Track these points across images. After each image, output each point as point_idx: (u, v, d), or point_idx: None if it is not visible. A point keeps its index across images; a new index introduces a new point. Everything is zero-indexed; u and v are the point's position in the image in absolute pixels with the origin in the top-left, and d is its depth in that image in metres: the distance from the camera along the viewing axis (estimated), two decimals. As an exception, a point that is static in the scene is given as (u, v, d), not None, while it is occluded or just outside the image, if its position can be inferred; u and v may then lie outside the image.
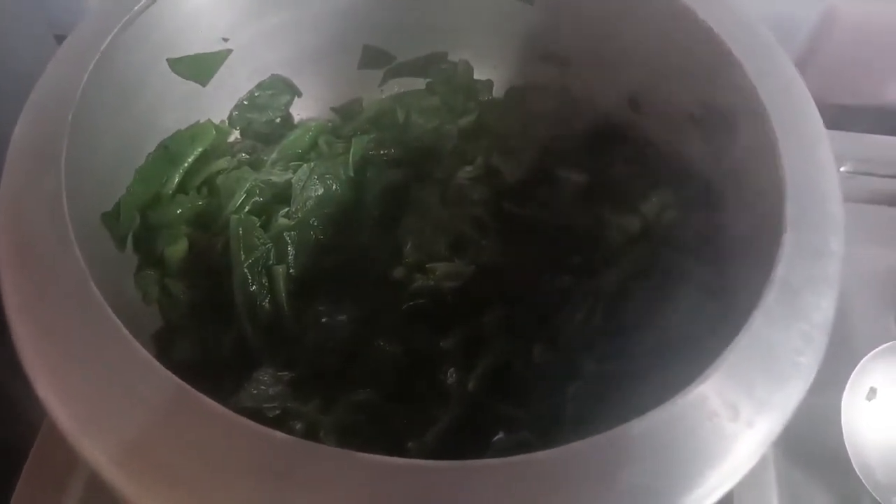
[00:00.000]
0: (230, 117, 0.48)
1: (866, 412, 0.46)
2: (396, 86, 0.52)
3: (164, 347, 0.40)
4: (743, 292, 0.32)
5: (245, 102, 0.48)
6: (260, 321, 0.41)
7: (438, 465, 0.24)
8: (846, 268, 0.30)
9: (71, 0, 0.56)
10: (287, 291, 0.41)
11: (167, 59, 0.41)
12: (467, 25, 0.49)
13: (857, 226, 0.34)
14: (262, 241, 0.42)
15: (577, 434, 0.25)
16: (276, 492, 0.23)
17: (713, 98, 0.39)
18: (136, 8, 0.37)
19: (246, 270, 0.41)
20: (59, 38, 0.41)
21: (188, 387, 0.25)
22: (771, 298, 0.28)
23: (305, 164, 0.45)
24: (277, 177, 0.44)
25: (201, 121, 0.45)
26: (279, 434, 0.24)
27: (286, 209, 0.43)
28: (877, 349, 0.46)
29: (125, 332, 0.27)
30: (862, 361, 0.46)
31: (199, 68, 0.44)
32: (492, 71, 0.51)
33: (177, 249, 0.42)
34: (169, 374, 0.26)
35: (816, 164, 0.33)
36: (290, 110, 0.50)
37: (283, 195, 0.44)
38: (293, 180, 0.44)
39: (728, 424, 0.25)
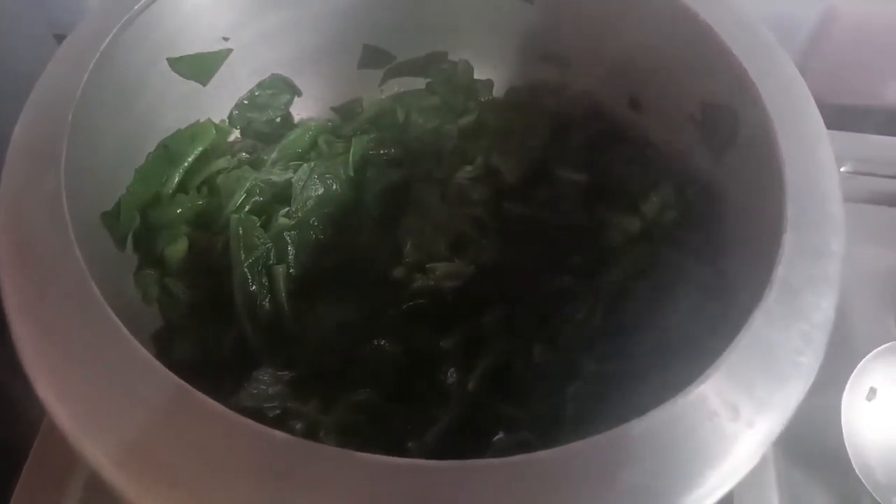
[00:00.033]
0: (230, 117, 0.48)
1: (866, 412, 0.46)
2: (396, 85, 0.52)
3: (164, 347, 0.40)
4: (743, 292, 0.32)
5: (245, 102, 0.48)
6: (260, 321, 0.41)
7: (438, 465, 0.24)
8: (846, 268, 0.30)
9: (71, 0, 0.56)
10: (287, 291, 0.41)
11: (167, 59, 0.41)
12: (467, 25, 0.49)
13: (857, 226, 0.33)
14: (262, 240, 0.42)
15: (577, 434, 0.25)
16: (276, 492, 0.23)
17: (713, 98, 0.39)
18: (136, 8, 0.37)
19: (246, 270, 0.41)
20: (59, 38, 0.41)
21: (188, 387, 0.25)
22: (771, 298, 0.28)
23: (305, 164, 0.45)
24: (277, 176, 0.44)
25: (201, 120, 0.45)
26: (279, 434, 0.24)
27: (286, 209, 0.43)
28: (877, 349, 0.46)
29: (125, 331, 0.27)
30: (862, 361, 0.46)
31: (200, 68, 0.44)
32: (492, 71, 0.51)
33: (177, 249, 0.42)
34: (169, 373, 0.26)
35: (816, 164, 0.33)
36: (291, 110, 0.50)
37: (283, 195, 0.44)
38: (293, 180, 0.44)
39: (728, 424, 0.25)
